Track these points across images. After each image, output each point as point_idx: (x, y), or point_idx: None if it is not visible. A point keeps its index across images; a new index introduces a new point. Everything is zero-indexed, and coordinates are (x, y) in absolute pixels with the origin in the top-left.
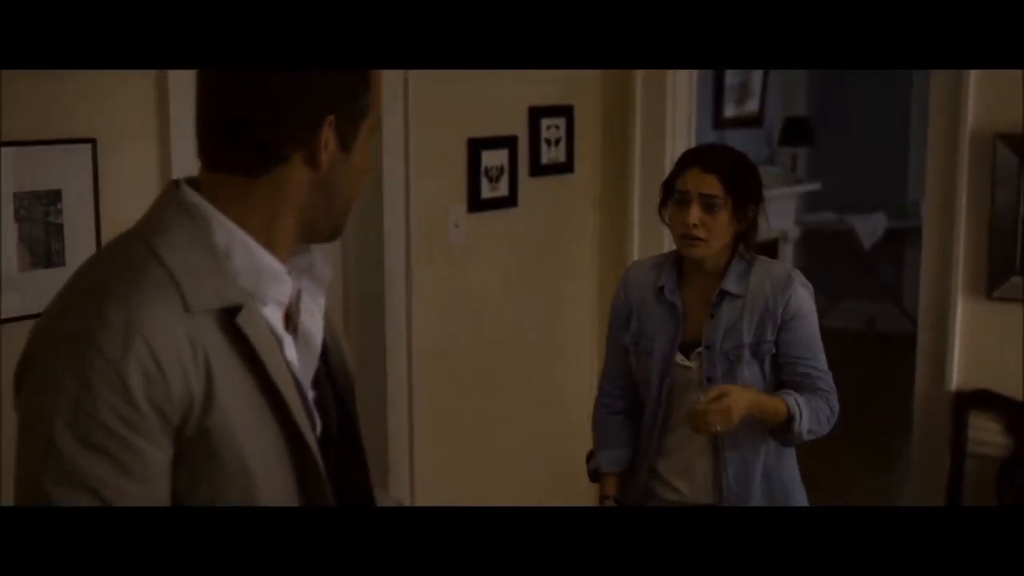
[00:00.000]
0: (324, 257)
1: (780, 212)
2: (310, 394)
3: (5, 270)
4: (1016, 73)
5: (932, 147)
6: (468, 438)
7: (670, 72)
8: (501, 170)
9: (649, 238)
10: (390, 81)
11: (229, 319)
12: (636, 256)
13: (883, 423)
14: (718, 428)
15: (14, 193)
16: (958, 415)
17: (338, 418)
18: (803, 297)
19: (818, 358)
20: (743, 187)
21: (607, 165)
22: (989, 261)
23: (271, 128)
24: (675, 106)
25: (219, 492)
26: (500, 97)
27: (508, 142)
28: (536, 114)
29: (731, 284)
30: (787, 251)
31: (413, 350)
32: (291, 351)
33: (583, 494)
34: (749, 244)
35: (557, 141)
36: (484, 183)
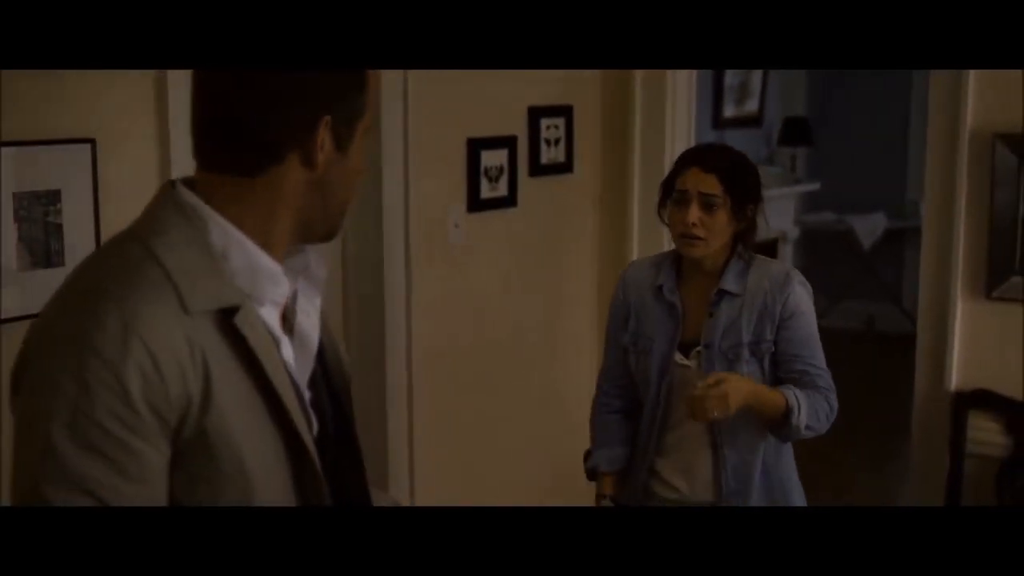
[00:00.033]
0: (319, 257)
1: (779, 212)
2: (306, 394)
3: (5, 270)
4: (1016, 73)
5: (931, 147)
6: (468, 438)
7: (670, 72)
8: (501, 170)
9: (649, 238)
10: (390, 81)
11: (227, 320)
12: (636, 256)
13: (883, 423)
14: (715, 414)
15: (14, 193)
16: (957, 415)
17: (334, 418)
18: (801, 296)
19: (816, 356)
20: (742, 187)
21: (607, 165)
22: (988, 261)
23: (267, 128)
24: (675, 106)
25: (217, 493)
26: (500, 97)
27: (508, 142)
28: (536, 114)
29: (730, 283)
30: (786, 251)
31: (413, 350)
32: (288, 351)
33: (583, 494)
34: (748, 244)
35: (557, 141)
36: (484, 183)
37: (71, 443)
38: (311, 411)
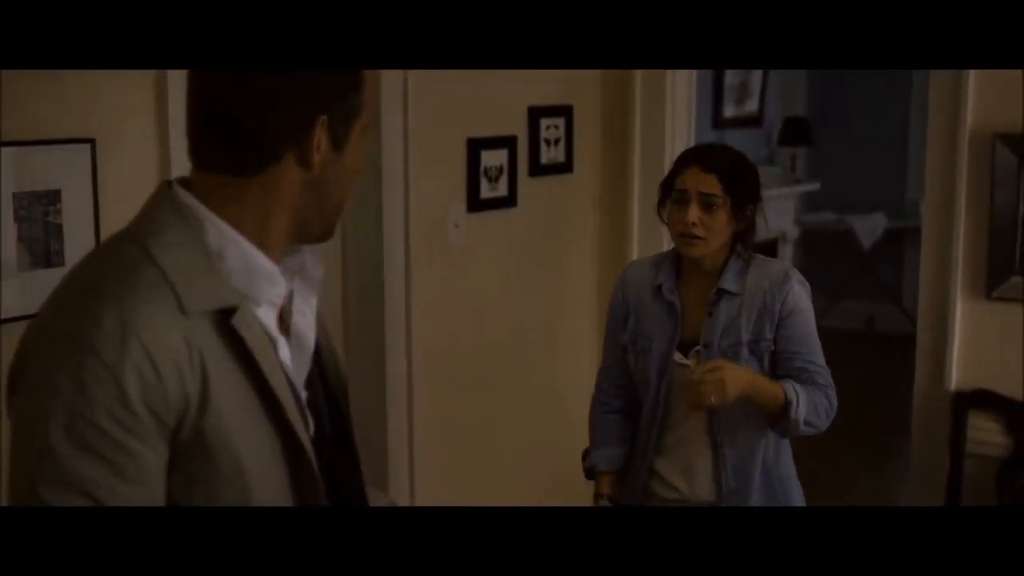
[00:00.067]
0: (315, 258)
1: (779, 212)
2: (303, 395)
3: (5, 270)
4: (1016, 73)
5: (931, 147)
6: (468, 438)
7: (670, 72)
8: (500, 170)
9: (649, 238)
10: (390, 81)
11: (224, 320)
12: (636, 256)
13: (882, 423)
14: (712, 401)
15: (14, 193)
16: (957, 415)
17: (331, 419)
18: (800, 294)
19: (815, 353)
20: (742, 186)
21: (607, 165)
22: (988, 261)
23: (263, 128)
24: (675, 106)
25: (215, 494)
26: (500, 97)
27: (507, 142)
28: (535, 114)
29: (729, 282)
30: (786, 251)
31: (413, 350)
32: (284, 352)
33: (582, 494)
34: (747, 243)
35: (556, 141)
36: (484, 183)
37: (68, 444)
38: (308, 411)
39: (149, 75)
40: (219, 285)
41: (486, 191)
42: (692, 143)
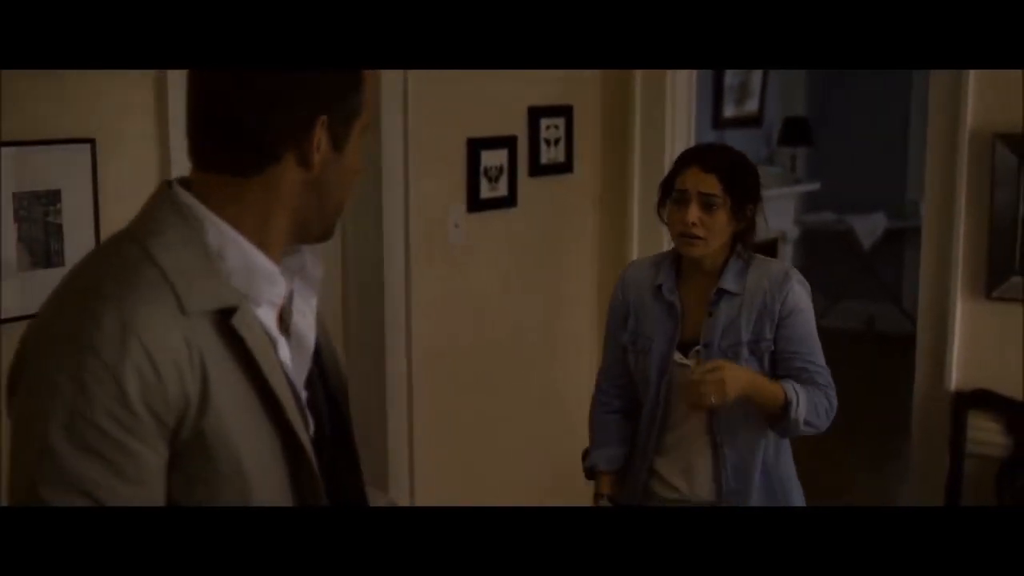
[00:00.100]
0: (315, 258)
1: (779, 212)
2: (303, 395)
3: (5, 270)
4: (1016, 73)
5: (931, 147)
6: (468, 438)
7: (669, 72)
8: (500, 170)
9: (649, 238)
10: (390, 81)
11: (224, 320)
12: (636, 256)
13: (882, 423)
14: (712, 400)
15: (14, 193)
16: (957, 415)
17: (331, 419)
18: (800, 294)
19: (815, 353)
20: (742, 186)
21: (607, 165)
22: (988, 261)
23: (263, 128)
24: (675, 106)
25: (215, 494)
26: (500, 97)
27: (507, 142)
28: (535, 114)
29: (729, 282)
30: (786, 251)
31: (413, 350)
32: (284, 352)
33: (582, 494)
34: (747, 243)
35: (556, 141)
36: (484, 183)
37: (68, 444)
38: (308, 411)
39: (149, 75)
40: (219, 285)
41: (486, 191)
42: (692, 143)
